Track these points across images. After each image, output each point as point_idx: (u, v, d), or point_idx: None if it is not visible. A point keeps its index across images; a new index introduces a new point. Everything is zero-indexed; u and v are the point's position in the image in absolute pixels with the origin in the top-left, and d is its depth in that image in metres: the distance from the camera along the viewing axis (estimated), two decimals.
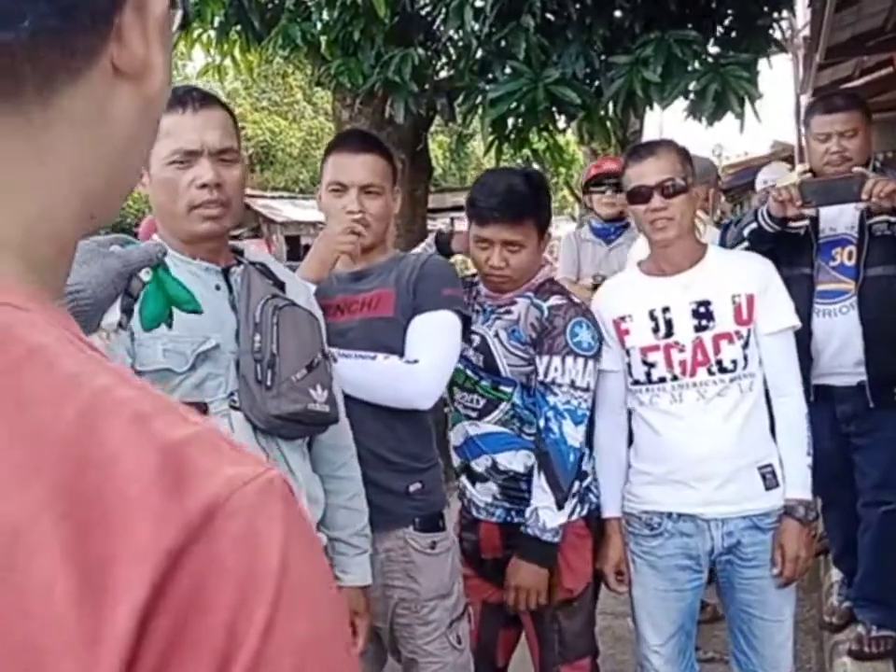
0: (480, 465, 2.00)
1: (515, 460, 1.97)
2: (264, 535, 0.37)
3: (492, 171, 2.22)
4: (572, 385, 1.91)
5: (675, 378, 1.95)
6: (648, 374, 1.98)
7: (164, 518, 0.35)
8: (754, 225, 2.39)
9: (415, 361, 1.76)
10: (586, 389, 1.93)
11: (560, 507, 1.89)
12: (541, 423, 1.92)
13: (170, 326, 1.35)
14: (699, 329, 1.94)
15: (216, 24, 3.86)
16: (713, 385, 1.93)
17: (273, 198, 15.57)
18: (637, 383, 2.00)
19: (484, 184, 2.03)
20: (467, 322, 1.89)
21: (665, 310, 1.96)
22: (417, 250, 2.25)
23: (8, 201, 0.42)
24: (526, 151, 3.87)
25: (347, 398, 1.71)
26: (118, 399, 0.38)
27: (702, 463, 1.92)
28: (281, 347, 1.40)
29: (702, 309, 1.95)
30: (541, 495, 1.89)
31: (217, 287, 1.43)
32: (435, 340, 1.80)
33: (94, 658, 0.33)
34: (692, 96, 3.11)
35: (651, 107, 3.32)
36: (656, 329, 1.97)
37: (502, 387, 1.96)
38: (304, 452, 1.53)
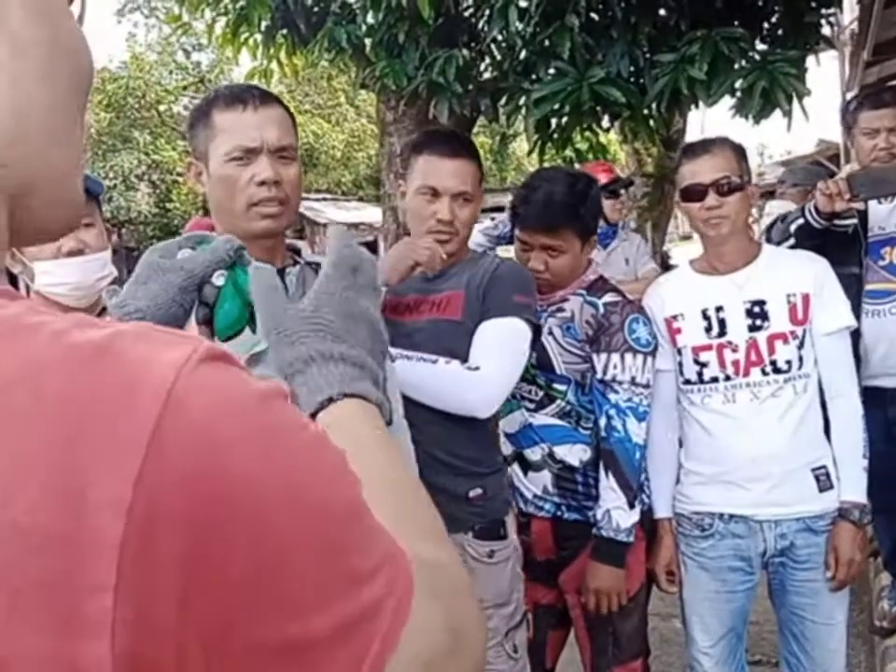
0: (535, 453, 1.99)
1: (571, 453, 1.96)
2: (226, 394, 0.39)
3: (539, 173, 2.19)
4: (633, 381, 1.90)
5: (727, 378, 1.93)
6: (700, 374, 1.95)
7: (116, 413, 0.36)
8: (801, 221, 2.35)
9: (477, 368, 1.70)
10: (646, 386, 1.91)
11: (631, 506, 1.88)
12: (603, 421, 1.91)
13: (254, 331, 1.32)
14: (753, 328, 1.92)
15: (262, 28, 3.92)
16: (767, 386, 1.90)
17: (316, 200, 15.71)
18: (688, 382, 1.98)
19: (527, 188, 2.01)
20: (537, 331, 1.82)
21: (719, 309, 1.94)
22: (504, 218, 2.18)
23: None
24: (569, 153, 3.86)
25: (409, 400, 1.70)
26: (31, 323, 0.38)
27: (755, 464, 1.89)
28: None
29: (756, 309, 1.92)
30: (611, 495, 1.88)
31: None
32: (500, 347, 1.74)
33: (78, 553, 0.34)
34: (738, 94, 3.08)
35: (697, 106, 3.30)
36: (709, 329, 1.95)
37: (556, 385, 1.95)
38: None
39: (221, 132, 1.38)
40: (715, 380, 1.94)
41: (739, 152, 1.93)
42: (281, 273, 1.45)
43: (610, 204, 3.49)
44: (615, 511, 1.87)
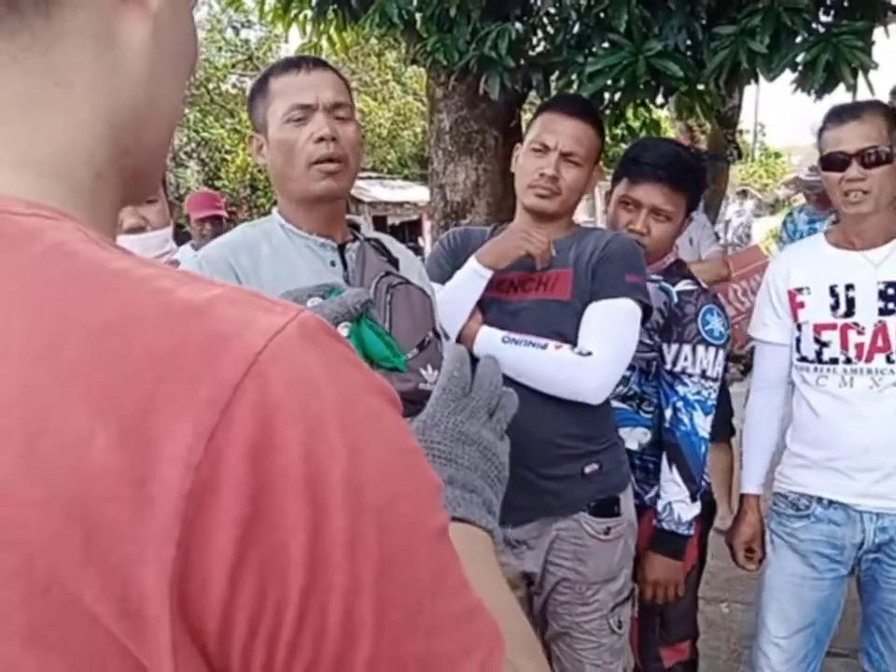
0: None
1: (631, 437, 1.93)
2: (313, 373, 0.38)
3: (652, 138, 2.18)
4: (703, 375, 1.85)
5: (848, 361, 1.83)
6: (819, 353, 1.87)
7: (199, 372, 0.37)
8: None
9: (589, 353, 1.67)
10: (716, 380, 1.86)
11: (693, 499, 1.86)
12: (669, 413, 1.87)
13: None
14: (884, 312, 1.81)
15: (313, 4, 3.91)
16: (890, 375, 1.80)
17: (361, 178, 15.73)
18: (804, 360, 1.88)
19: (650, 145, 1.97)
20: (647, 312, 1.78)
21: (849, 287, 1.83)
22: None
23: (34, 118, 0.45)
24: (619, 130, 3.79)
25: (520, 384, 1.66)
26: (138, 277, 0.40)
27: (866, 453, 1.80)
28: (394, 326, 1.37)
29: (891, 291, 1.80)
30: (674, 488, 1.86)
31: (333, 264, 1.42)
32: (612, 331, 1.70)
33: (147, 499, 0.35)
34: (800, 68, 2.97)
35: (757, 80, 3.20)
36: (835, 307, 1.85)
37: None
38: None
39: (277, 96, 1.40)
40: (834, 361, 1.84)
41: (892, 119, 1.79)
42: (342, 248, 1.46)
43: None
44: (677, 505, 1.85)
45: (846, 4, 3.26)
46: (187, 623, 0.36)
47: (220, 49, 17.45)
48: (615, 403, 1.94)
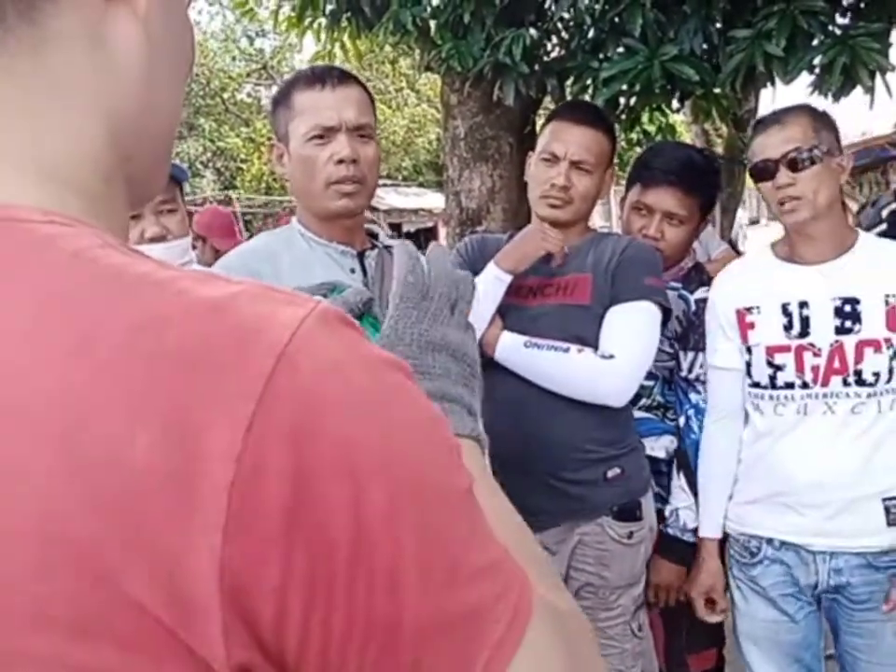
0: None
1: (657, 445, 1.92)
2: (338, 359, 0.40)
3: (665, 142, 2.17)
4: None
5: (805, 385, 1.67)
6: (772, 378, 1.70)
7: (231, 366, 0.37)
8: (895, 205, 2.23)
9: (611, 356, 1.66)
10: None
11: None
12: (682, 420, 1.87)
13: None
14: (841, 331, 1.65)
15: (327, 12, 3.93)
16: (846, 399, 1.65)
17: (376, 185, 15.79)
18: (756, 385, 1.74)
19: (662, 150, 1.96)
20: (667, 315, 1.76)
21: (803, 305, 1.68)
22: None
23: (32, 126, 0.45)
24: (634, 135, 3.79)
25: (543, 388, 1.67)
26: (160, 279, 0.40)
27: (818, 488, 1.66)
28: None
29: (847, 308, 1.64)
30: (681, 495, 1.85)
31: (353, 271, 1.44)
32: (633, 334, 1.69)
33: (191, 493, 0.36)
34: (816, 70, 2.96)
35: (773, 84, 3.19)
36: (789, 327, 1.69)
37: (643, 381, 1.85)
38: None
39: (300, 112, 1.40)
40: (790, 386, 1.69)
41: (820, 120, 1.67)
42: (361, 255, 1.47)
43: None
44: (683, 511, 1.85)
45: (862, 6, 3.24)
46: (238, 611, 0.37)
47: (235, 58, 17.60)
48: (641, 413, 1.93)
